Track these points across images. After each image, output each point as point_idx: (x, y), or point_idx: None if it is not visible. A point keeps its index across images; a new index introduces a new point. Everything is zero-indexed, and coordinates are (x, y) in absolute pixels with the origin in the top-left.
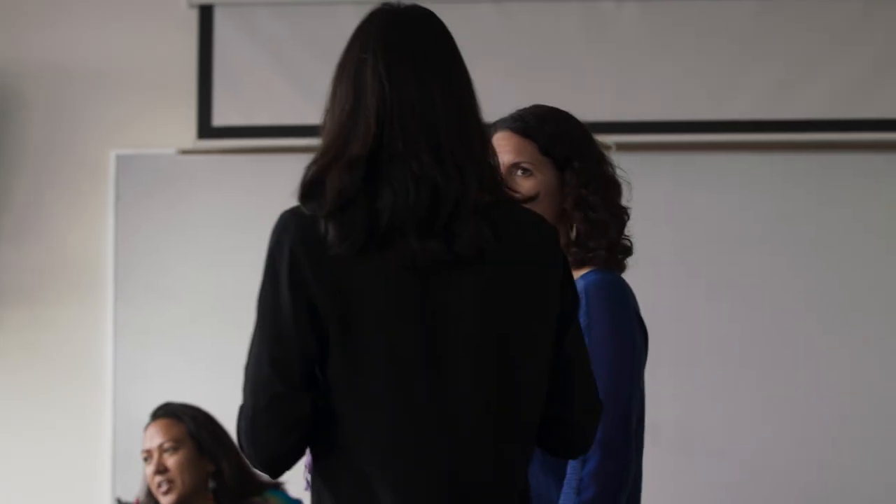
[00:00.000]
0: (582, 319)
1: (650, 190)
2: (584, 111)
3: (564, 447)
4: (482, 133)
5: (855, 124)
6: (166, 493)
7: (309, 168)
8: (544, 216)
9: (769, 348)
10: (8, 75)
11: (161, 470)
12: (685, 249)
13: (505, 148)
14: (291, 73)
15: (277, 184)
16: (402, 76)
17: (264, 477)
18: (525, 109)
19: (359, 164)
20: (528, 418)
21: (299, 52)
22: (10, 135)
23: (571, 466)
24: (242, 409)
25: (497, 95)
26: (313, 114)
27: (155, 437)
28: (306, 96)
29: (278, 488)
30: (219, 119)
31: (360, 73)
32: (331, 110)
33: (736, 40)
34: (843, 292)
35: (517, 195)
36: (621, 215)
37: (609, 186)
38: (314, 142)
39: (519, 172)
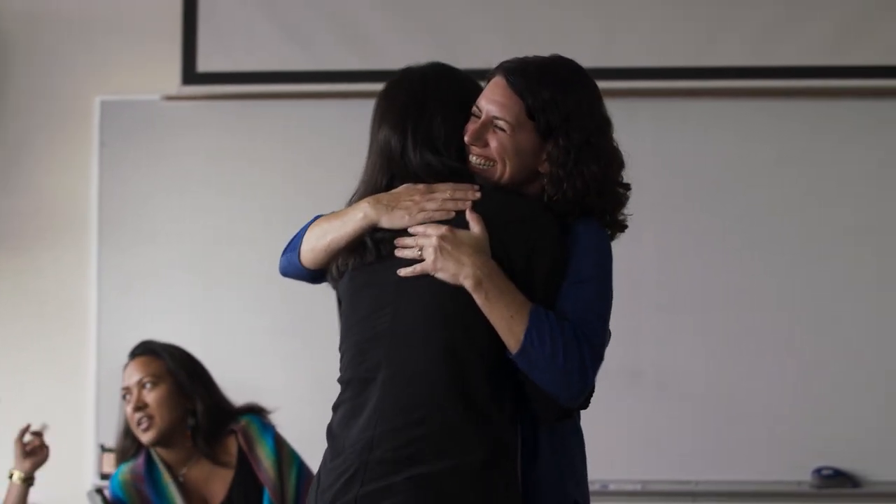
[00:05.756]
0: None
1: (633, 137)
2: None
3: None
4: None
5: (844, 71)
6: (146, 429)
7: None
8: (511, 173)
9: (752, 294)
10: None
11: (140, 406)
12: (668, 197)
13: (492, 97)
14: (277, 18)
15: (262, 130)
16: None
17: (240, 403)
18: (534, 61)
19: None
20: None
21: None
22: None
23: None
24: None
25: (482, 40)
26: (299, 59)
27: (134, 374)
28: (292, 42)
29: (254, 412)
30: (203, 65)
31: None
32: None
33: None
34: (824, 240)
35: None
36: (618, 196)
37: (597, 167)
38: (299, 87)
39: (495, 128)
